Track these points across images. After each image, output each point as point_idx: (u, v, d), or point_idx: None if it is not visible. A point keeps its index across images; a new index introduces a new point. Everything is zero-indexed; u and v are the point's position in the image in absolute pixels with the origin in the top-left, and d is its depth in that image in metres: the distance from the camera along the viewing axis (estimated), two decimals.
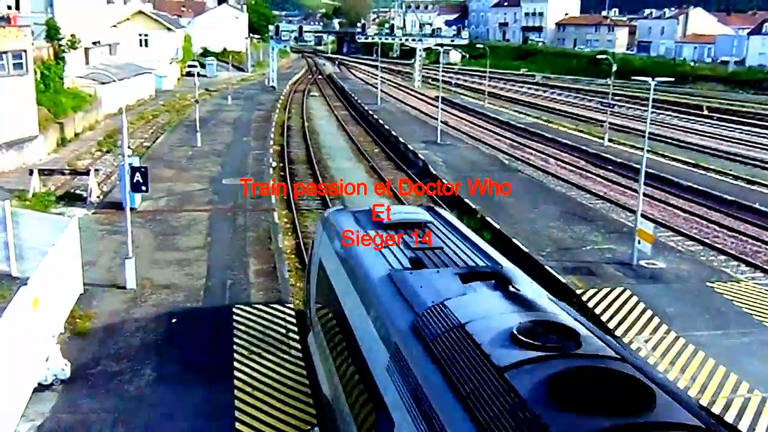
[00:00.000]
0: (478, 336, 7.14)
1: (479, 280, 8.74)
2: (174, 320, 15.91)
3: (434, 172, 33.28)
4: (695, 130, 55.66)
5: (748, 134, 53.72)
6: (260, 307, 16.59)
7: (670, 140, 48.48)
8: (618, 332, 16.13)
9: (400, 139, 42.67)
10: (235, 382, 13.20)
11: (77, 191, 27.53)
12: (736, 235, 25.82)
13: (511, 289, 8.53)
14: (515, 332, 7.00)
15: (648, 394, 6.09)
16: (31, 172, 26.84)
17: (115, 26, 73.78)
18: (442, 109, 45.45)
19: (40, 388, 12.69)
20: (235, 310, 16.39)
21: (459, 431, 6.12)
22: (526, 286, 8.86)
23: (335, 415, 10.07)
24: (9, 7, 42.83)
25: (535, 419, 5.64)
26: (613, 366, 6.55)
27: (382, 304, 8.68)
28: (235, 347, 14.55)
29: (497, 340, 7.01)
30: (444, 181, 31.24)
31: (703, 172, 36.84)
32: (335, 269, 11.10)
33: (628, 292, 18.26)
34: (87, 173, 27.61)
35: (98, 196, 26.87)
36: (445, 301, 8.05)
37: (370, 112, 56.48)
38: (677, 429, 5.80)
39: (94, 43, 56.71)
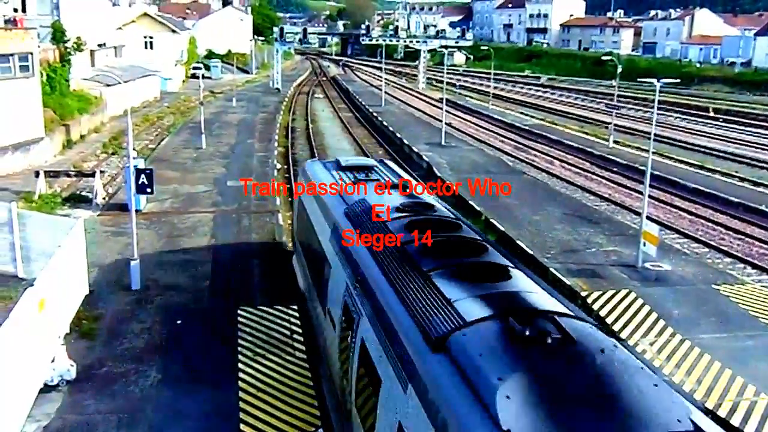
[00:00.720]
0: (376, 209, 11.94)
1: (391, 188, 13.81)
2: (179, 321, 15.94)
3: (438, 174, 33.26)
4: (701, 131, 55.51)
5: (755, 136, 53.56)
6: (265, 308, 16.61)
7: (675, 142, 48.36)
8: (623, 335, 16.09)
9: (405, 141, 42.67)
10: (240, 383, 13.22)
11: (83, 193, 27.61)
12: (742, 237, 25.73)
13: (407, 191, 13.66)
14: (398, 206, 12.03)
15: (456, 226, 11.24)
16: (37, 174, 26.92)
17: (120, 28, 74.02)
18: (446, 110, 45.44)
19: (46, 388, 12.74)
20: (239, 311, 16.41)
21: (362, 255, 10.52)
22: (418, 190, 14.23)
23: (308, 294, 14.85)
24: (15, 10, 43.01)
25: (397, 240, 10.30)
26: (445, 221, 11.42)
27: (330, 207, 13.42)
28: (239, 348, 14.58)
29: (386, 212, 11.76)
30: (446, 181, 31.23)
31: (709, 174, 36.73)
32: (308, 201, 15.53)
33: (633, 295, 18.22)
34: (92, 175, 27.68)
35: (104, 198, 26.95)
36: (366, 198, 12.93)
37: (375, 113, 56.51)
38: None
39: (99, 46, 56.91)
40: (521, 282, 8.87)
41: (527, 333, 6.85)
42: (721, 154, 44.38)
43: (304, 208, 15.78)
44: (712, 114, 66.01)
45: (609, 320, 16.80)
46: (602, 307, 17.53)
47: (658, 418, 6.00)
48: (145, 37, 76.70)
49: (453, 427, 6.17)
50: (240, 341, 14.91)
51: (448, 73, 60.81)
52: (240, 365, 13.89)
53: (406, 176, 16.24)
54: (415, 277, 8.81)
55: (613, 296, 18.15)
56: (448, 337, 7.18)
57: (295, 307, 16.60)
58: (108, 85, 46.20)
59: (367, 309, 9.14)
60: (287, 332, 15.41)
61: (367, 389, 8.67)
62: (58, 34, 42.18)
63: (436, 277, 8.76)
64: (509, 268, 9.22)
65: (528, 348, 6.70)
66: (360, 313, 9.45)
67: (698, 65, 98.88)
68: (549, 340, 6.81)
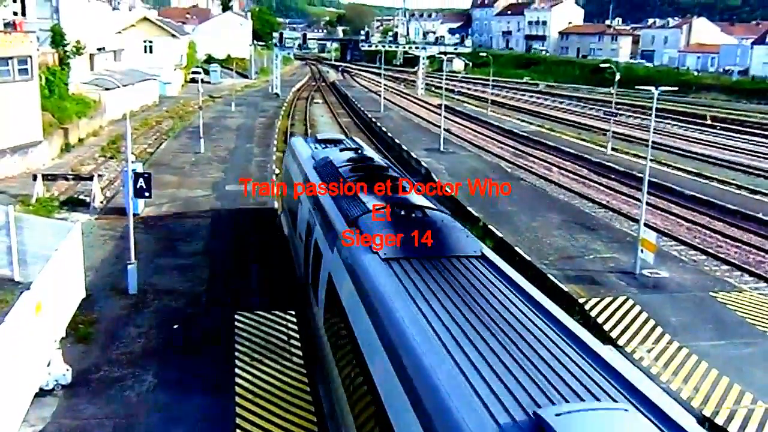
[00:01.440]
0: (333, 161, 16.24)
1: (349, 150, 18.18)
2: (175, 326, 15.90)
3: (437, 180, 33.28)
4: (698, 139, 55.66)
5: (752, 144, 53.70)
6: (262, 313, 16.58)
7: (673, 149, 48.47)
8: (620, 341, 16.08)
9: (403, 146, 42.72)
10: (237, 388, 13.17)
11: (81, 196, 27.57)
12: (739, 244, 25.76)
13: (358, 152, 17.88)
14: (347, 159, 16.21)
15: (384, 167, 15.85)
16: (34, 178, 26.88)
17: (119, 32, 74.10)
18: (445, 117, 45.51)
19: (42, 393, 12.69)
20: (236, 316, 16.38)
21: (319, 188, 14.80)
22: (368, 151, 19.12)
23: (288, 231, 19.91)
24: (15, 13, 43.03)
25: (340, 175, 14.62)
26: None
27: (304, 164, 18.08)
28: (236, 353, 14.54)
29: (339, 161, 16.10)
30: (445, 186, 31.26)
31: (707, 181, 36.80)
32: (293, 168, 19.73)
33: (630, 302, 18.22)
34: (90, 179, 27.65)
35: (101, 202, 26.92)
36: (329, 156, 17.25)
37: (374, 119, 56.58)
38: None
39: (99, 49, 56.96)
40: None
41: (402, 213, 11.65)
42: (718, 162, 44.48)
43: (288, 171, 21.03)
44: (709, 122, 66.19)
45: (606, 327, 16.79)
46: (600, 313, 17.53)
47: (458, 244, 10.93)
48: (144, 42, 76.85)
49: (352, 257, 10.64)
50: (237, 346, 14.87)
51: (447, 80, 60.91)
52: (237, 370, 13.85)
53: (365, 146, 20.78)
54: (345, 192, 13.55)
55: (610, 303, 18.14)
56: (358, 218, 11.70)
57: (293, 312, 16.57)
58: (107, 89, 46.19)
59: (318, 218, 13.86)
60: (284, 337, 15.37)
61: (315, 261, 13.45)
62: (57, 38, 42.22)
63: (359, 190, 13.47)
64: (405, 184, 14.42)
65: (399, 220, 11.32)
66: (314, 224, 14.09)
67: (696, 73, 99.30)
68: (412, 215, 11.70)
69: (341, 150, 18.43)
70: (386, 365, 7.83)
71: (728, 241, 26.23)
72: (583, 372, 7.11)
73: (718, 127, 63.01)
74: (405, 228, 10.84)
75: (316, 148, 19.81)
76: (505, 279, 10.04)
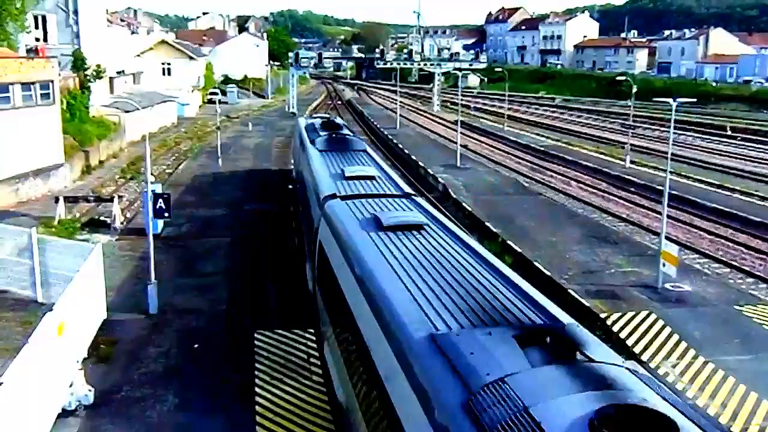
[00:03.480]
0: (321, 131, 25.39)
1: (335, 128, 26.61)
2: (196, 345, 15.93)
3: (454, 196, 33.21)
4: (719, 150, 55.10)
5: None
6: (282, 332, 16.57)
7: (693, 161, 48.01)
8: (644, 357, 15.86)
9: (420, 163, 42.72)
10: (257, 408, 13.15)
11: (101, 218, 27.84)
12: (764, 256, 25.33)
13: (342, 131, 26.85)
14: (329, 134, 24.22)
15: (358, 141, 22.09)
16: (56, 200, 27.23)
17: (138, 56, 75.32)
18: (461, 132, 45.50)
19: (64, 413, 12.74)
20: (256, 335, 16.38)
21: (307, 146, 23.25)
22: (348, 132, 27.52)
23: (296, 177, 26.78)
24: (37, 39, 43.91)
25: (320, 136, 22.36)
26: None
27: (305, 136, 24.26)
28: (256, 372, 14.52)
29: (320, 130, 26.26)
30: (465, 205, 31.19)
31: (728, 193, 36.32)
32: (299, 144, 26.43)
33: (653, 316, 17.97)
34: (111, 200, 27.96)
35: (122, 223, 27.17)
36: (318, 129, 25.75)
37: (390, 136, 56.71)
38: None
39: (118, 73, 57.85)
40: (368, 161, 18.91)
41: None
42: (739, 173, 43.95)
43: (297, 153, 28.08)
44: (729, 133, 65.54)
45: (629, 342, 16.56)
46: (622, 328, 17.30)
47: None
48: (162, 64, 77.97)
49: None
50: (257, 365, 14.86)
51: (462, 96, 61.02)
52: (257, 389, 13.83)
53: (350, 133, 27.25)
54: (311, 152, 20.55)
55: (633, 318, 17.90)
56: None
57: (312, 331, 16.54)
58: (126, 111, 46.87)
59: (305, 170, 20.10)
60: (304, 356, 15.34)
61: (305, 210, 18.66)
62: (78, 62, 42.97)
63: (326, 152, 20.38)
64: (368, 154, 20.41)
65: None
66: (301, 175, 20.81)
67: (714, 84, 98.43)
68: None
69: (331, 128, 26.15)
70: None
71: (752, 253, 25.83)
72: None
73: (739, 138, 62.35)
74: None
75: (314, 126, 27.19)
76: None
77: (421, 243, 10.81)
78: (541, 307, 8.16)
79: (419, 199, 14.52)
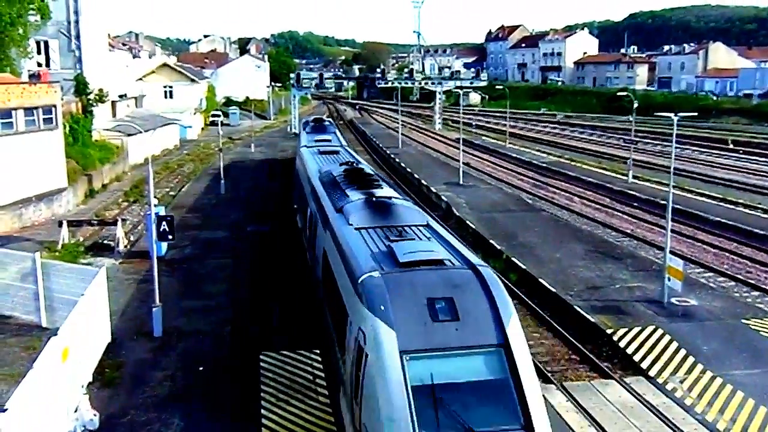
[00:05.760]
0: (319, 158, 26.47)
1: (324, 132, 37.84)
2: (201, 368, 15.87)
3: (458, 214, 33.21)
4: (721, 164, 55.14)
5: None
6: (286, 353, 16.51)
7: (695, 175, 48.03)
8: (651, 372, 15.75)
9: (423, 181, 42.79)
10: (263, 430, 13.06)
11: (105, 241, 27.90)
12: None
13: (332, 132, 38.55)
14: (317, 145, 30.77)
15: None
16: (60, 224, 27.28)
17: (140, 79, 75.85)
18: (463, 150, 45.62)
19: None
20: (261, 356, 16.32)
21: (303, 150, 29.71)
22: (336, 139, 36.20)
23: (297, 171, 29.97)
24: (39, 64, 44.24)
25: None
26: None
27: (304, 145, 31.65)
28: (262, 394, 14.45)
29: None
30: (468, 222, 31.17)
31: (731, 206, 36.29)
32: (300, 144, 34.20)
33: (660, 331, 17.87)
34: (114, 223, 28.00)
35: (126, 246, 27.20)
36: (317, 144, 31.41)
37: (392, 155, 56.85)
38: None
39: (120, 96, 58.21)
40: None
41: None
42: (742, 186, 43.95)
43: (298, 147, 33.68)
44: (731, 146, 65.61)
45: (636, 358, 16.47)
46: (629, 344, 17.21)
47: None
48: (164, 87, 78.48)
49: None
50: (262, 387, 14.79)
51: (463, 114, 61.23)
52: (263, 411, 13.75)
53: (338, 136, 37.96)
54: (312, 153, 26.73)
55: (639, 333, 17.81)
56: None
57: (318, 351, 16.48)
58: (129, 135, 47.05)
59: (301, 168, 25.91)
60: (310, 377, 15.27)
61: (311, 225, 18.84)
62: (80, 87, 43.23)
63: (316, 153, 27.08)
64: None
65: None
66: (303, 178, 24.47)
67: (715, 98, 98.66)
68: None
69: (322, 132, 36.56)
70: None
71: (757, 266, 25.73)
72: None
73: (741, 151, 62.41)
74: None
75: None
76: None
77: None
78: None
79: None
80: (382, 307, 9.59)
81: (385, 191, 16.05)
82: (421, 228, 13.40)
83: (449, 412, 8.91)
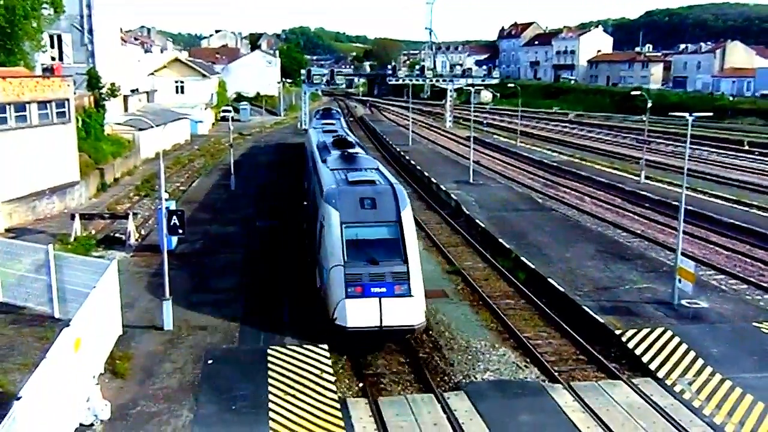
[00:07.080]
0: (320, 134, 35.02)
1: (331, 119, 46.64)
2: (210, 361, 15.97)
3: (467, 212, 33.18)
4: (736, 165, 54.79)
5: None
6: (295, 347, 16.58)
7: (709, 176, 47.76)
8: (660, 374, 15.71)
9: (433, 179, 42.77)
10: (271, 423, 13.15)
11: (117, 235, 28.07)
12: None
13: (338, 119, 48.66)
14: (325, 127, 39.31)
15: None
16: (72, 217, 27.49)
17: (152, 74, 76.22)
18: (474, 148, 45.56)
19: (81, 428, 12.81)
20: (270, 350, 16.40)
21: (311, 133, 38.43)
22: (341, 125, 44.37)
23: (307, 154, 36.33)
24: (53, 58, 44.55)
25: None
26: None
27: (311, 129, 41.37)
28: (270, 388, 14.53)
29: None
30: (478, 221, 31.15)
31: (746, 208, 36.02)
32: (310, 126, 46.65)
33: (669, 333, 17.81)
34: (126, 217, 28.17)
35: (137, 239, 27.36)
36: (322, 125, 40.56)
37: (402, 153, 56.86)
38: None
39: (132, 91, 58.54)
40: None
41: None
42: (757, 188, 43.63)
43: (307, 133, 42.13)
44: (746, 147, 65.13)
45: (645, 359, 16.43)
46: (638, 345, 17.16)
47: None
48: (176, 82, 78.80)
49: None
50: (270, 380, 14.87)
51: (475, 111, 61.10)
52: (270, 404, 13.84)
53: (341, 122, 47.06)
54: (320, 138, 32.33)
55: (648, 334, 17.75)
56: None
57: (325, 346, 16.55)
58: (141, 129, 47.30)
59: (311, 148, 31.97)
60: (317, 371, 15.33)
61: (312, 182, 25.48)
62: (93, 81, 43.50)
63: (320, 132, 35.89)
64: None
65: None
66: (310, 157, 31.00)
67: (731, 98, 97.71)
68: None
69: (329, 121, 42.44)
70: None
71: None
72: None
73: (757, 153, 61.94)
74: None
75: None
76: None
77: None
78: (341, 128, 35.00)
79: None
80: (334, 201, 17.97)
81: (355, 150, 26.44)
82: (371, 169, 22.06)
83: (364, 252, 17.09)
